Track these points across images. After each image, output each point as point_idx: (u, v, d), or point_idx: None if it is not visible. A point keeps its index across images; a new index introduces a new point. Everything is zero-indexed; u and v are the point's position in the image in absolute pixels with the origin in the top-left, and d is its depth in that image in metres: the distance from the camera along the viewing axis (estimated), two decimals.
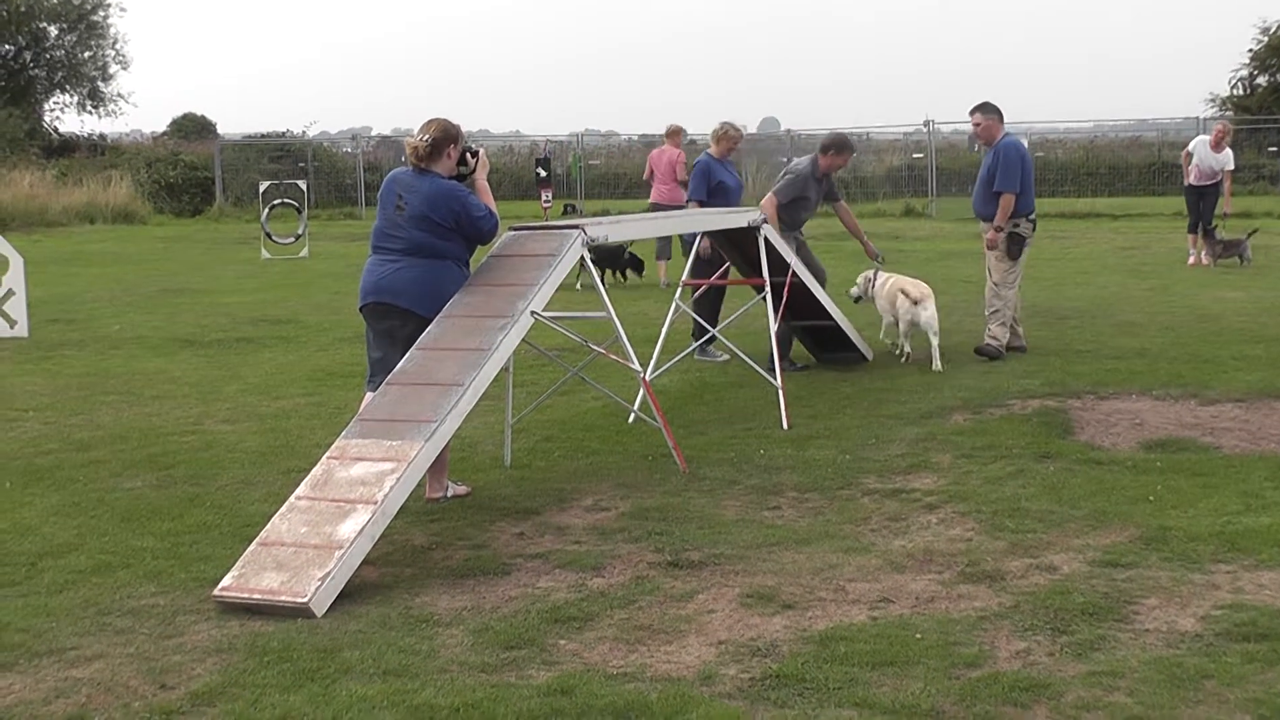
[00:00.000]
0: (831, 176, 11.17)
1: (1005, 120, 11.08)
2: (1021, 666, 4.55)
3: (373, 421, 6.17)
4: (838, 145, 11.09)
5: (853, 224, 11.47)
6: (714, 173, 11.41)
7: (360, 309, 6.99)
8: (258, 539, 5.62)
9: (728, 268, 10.55)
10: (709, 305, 11.36)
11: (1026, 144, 10.86)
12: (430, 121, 6.94)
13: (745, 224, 9.27)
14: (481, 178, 7.16)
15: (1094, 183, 35.66)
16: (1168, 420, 8.46)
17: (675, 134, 17.34)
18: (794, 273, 9.50)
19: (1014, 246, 10.84)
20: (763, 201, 10.85)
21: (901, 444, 7.99)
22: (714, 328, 10.34)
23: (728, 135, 11.58)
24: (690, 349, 10.52)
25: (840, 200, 11.48)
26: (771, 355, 8.98)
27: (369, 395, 6.75)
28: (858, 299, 11.32)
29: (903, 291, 10.61)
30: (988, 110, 11.01)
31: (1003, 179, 10.68)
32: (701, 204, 11.10)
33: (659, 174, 16.55)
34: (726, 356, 11.01)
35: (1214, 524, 6.09)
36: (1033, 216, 10.96)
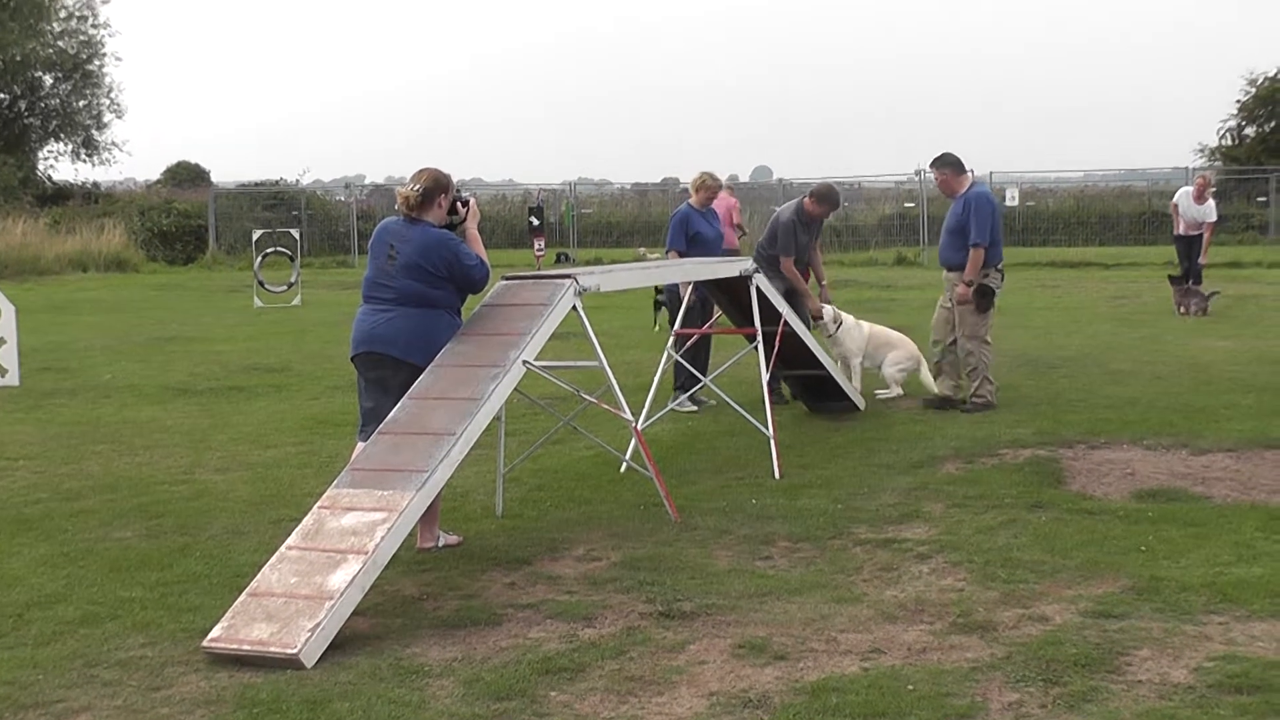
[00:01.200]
0: (820, 222, 11.37)
1: (968, 170, 11.08)
2: (1014, 718, 4.54)
3: (364, 471, 6.14)
4: (822, 196, 11.31)
5: (818, 266, 11.57)
6: (692, 223, 11.39)
7: (352, 358, 6.97)
8: (248, 589, 5.58)
9: (717, 318, 10.56)
10: (700, 355, 11.41)
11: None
12: (421, 171, 6.95)
13: (738, 273, 9.28)
14: (472, 227, 7.15)
15: (1084, 232, 35.80)
16: (1159, 470, 8.44)
17: (730, 186, 19.45)
18: (785, 322, 9.51)
19: (984, 299, 10.74)
20: (783, 268, 11.05)
21: (893, 493, 7.97)
22: (704, 377, 10.30)
23: (705, 185, 11.55)
24: (678, 400, 10.56)
25: (816, 243, 11.65)
26: (763, 401, 8.95)
27: (360, 444, 6.72)
28: (829, 335, 11.32)
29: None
30: (944, 164, 10.91)
31: (977, 231, 10.55)
32: (681, 254, 11.11)
33: None
34: (695, 408, 11.06)
35: (1206, 574, 6.08)
36: (1000, 266, 10.86)
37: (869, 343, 11.51)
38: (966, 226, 10.59)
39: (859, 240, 35.44)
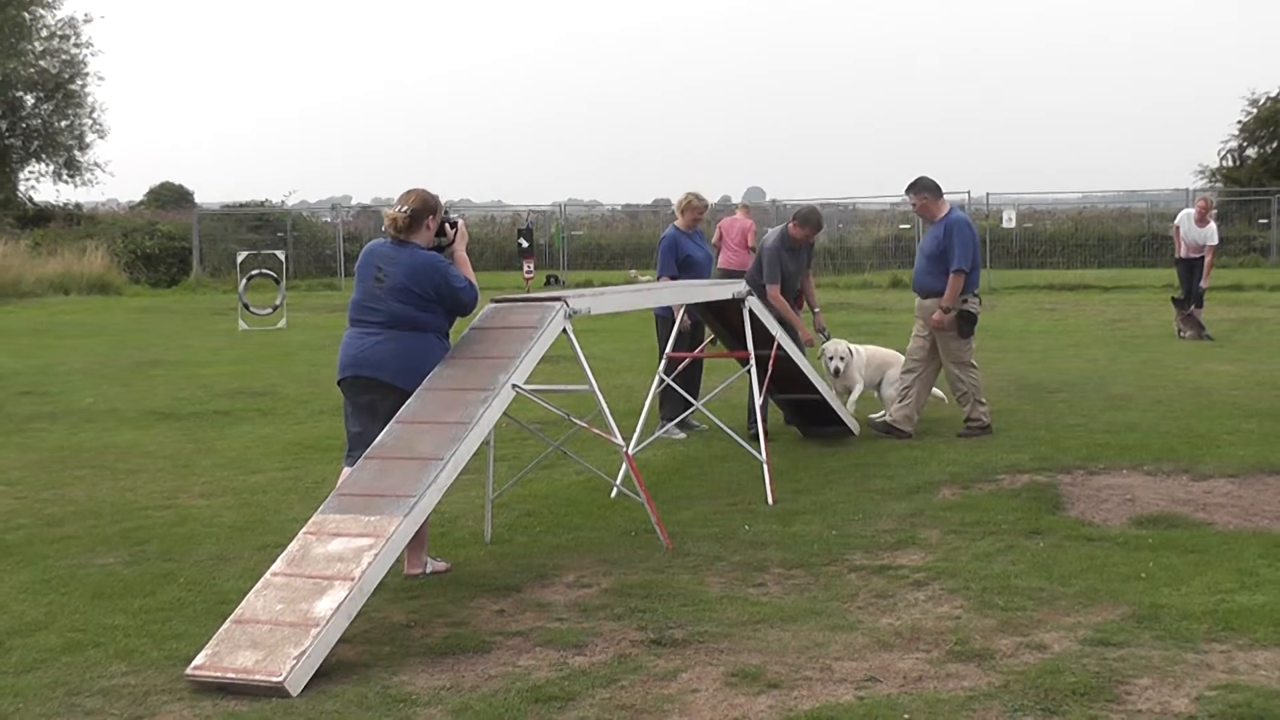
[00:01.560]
0: (810, 246, 11.29)
1: (946, 194, 11.01)
2: None
3: (351, 496, 6.14)
4: (804, 218, 11.17)
5: (810, 292, 11.47)
6: (681, 246, 11.31)
7: (339, 382, 6.95)
8: (232, 616, 5.57)
9: (708, 341, 10.56)
10: (692, 379, 11.30)
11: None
12: (409, 192, 6.96)
13: (731, 295, 9.28)
14: (460, 248, 7.16)
15: (1083, 254, 35.95)
16: (1160, 496, 8.43)
17: (745, 207, 20.65)
18: (779, 345, 9.50)
19: (966, 324, 10.71)
20: (769, 297, 10.85)
21: (889, 519, 7.95)
22: (696, 401, 10.31)
23: (692, 206, 11.43)
24: (665, 429, 10.50)
25: (809, 270, 11.52)
26: (752, 421, 8.87)
27: (347, 469, 6.72)
28: (838, 372, 11.27)
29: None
30: (921, 189, 10.83)
31: (960, 256, 10.50)
32: (673, 279, 11.07)
33: (729, 240, 17.48)
34: (682, 435, 11.03)
35: (1207, 602, 6.08)
36: (978, 292, 10.87)
37: (867, 365, 11.52)
38: (947, 251, 10.55)
39: (853, 263, 35.53)
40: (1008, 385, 12.91)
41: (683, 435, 11.11)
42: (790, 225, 11.19)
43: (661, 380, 9.58)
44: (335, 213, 40.88)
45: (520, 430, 9.84)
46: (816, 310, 11.62)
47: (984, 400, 10.76)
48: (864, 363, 11.46)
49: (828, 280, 31.22)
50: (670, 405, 11.22)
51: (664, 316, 11.27)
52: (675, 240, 11.40)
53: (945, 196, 11.01)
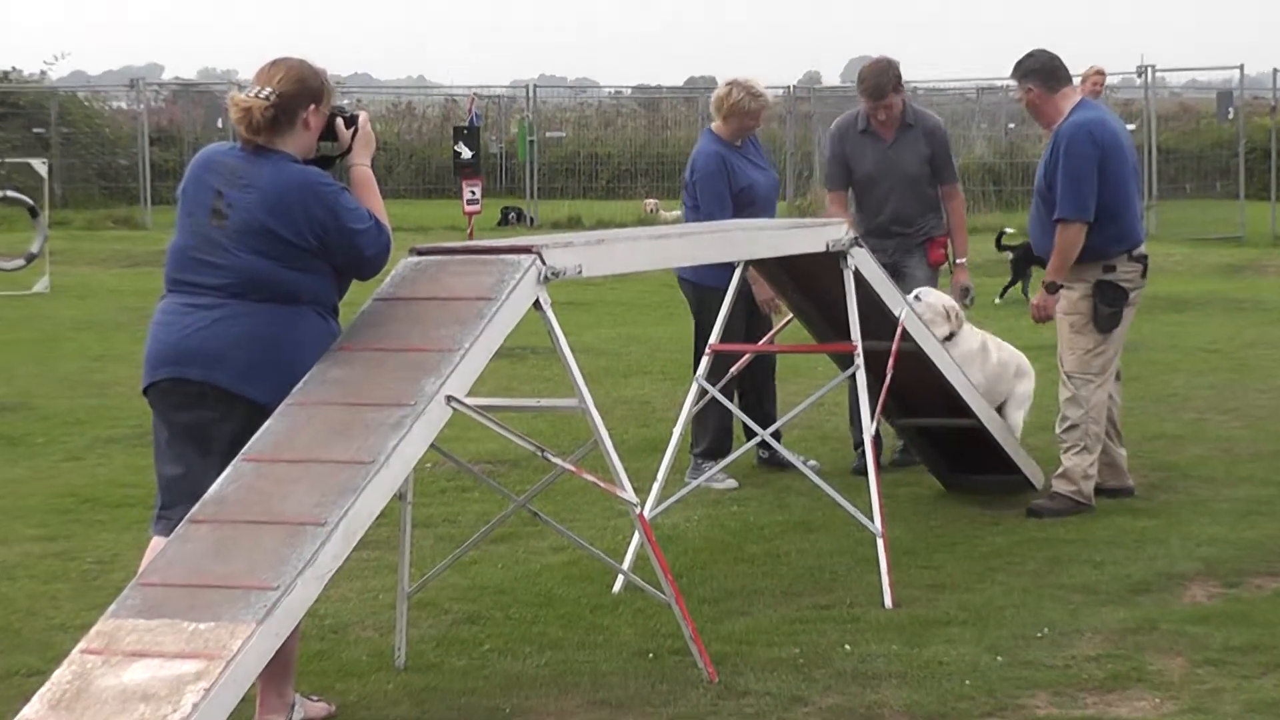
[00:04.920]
0: (918, 138, 10.73)
1: (1073, 81, 10.31)
2: None
3: (165, 588, 5.77)
4: (859, 78, 10.84)
5: (955, 229, 11.03)
6: (735, 169, 10.61)
7: (146, 390, 6.58)
8: None
9: (783, 327, 9.99)
10: (756, 388, 10.66)
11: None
12: (275, 64, 6.59)
13: (824, 246, 8.53)
14: (363, 161, 6.74)
15: None
16: None
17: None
18: (904, 331, 8.84)
19: (1105, 307, 9.74)
20: (829, 204, 11.01)
21: (1096, 638, 7.46)
22: (760, 430, 9.52)
23: (740, 108, 10.54)
24: (708, 473, 9.72)
25: (954, 184, 11.07)
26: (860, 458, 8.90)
27: (157, 540, 6.37)
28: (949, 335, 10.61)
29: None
30: (1028, 72, 9.96)
31: (1063, 196, 9.56)
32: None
33: None
34: (734, 482, 10.43)
35: None
36: (1139, 252, 9.91)
37: (991, 375, 10.49)
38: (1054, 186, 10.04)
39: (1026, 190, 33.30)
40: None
41: (735, 485, 10.47)
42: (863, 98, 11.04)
43: (701, 391, 9.03)
44: (135, 94, 37.43)
45: (459, 475, 9.78)
46: (960, 261, 11.08)
47: (1094, 453, 9.79)
48: (987, 362, 10.49)
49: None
50: (713, 432, 10.55)
51: (705, 284, 10.42)
52: (724, 160, 10.58)
53: (1075, 83, 10.55)
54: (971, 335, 10.72)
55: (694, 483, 9.63)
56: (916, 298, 10.50)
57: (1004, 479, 10.21)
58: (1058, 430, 9.98)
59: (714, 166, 10.60)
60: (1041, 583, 8.44)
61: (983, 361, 10.56)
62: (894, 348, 8.97)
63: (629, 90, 45.62)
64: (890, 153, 10.72)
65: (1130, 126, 13.53)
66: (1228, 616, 7.76)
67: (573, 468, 7.18)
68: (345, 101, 6.30)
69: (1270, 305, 19.54)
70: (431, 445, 6.51)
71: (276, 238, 6.41)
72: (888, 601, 8.01)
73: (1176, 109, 35.26)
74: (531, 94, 36.86)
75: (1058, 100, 9.82)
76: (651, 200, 31.92)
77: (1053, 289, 9.81)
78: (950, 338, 10.44)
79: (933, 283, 10.94)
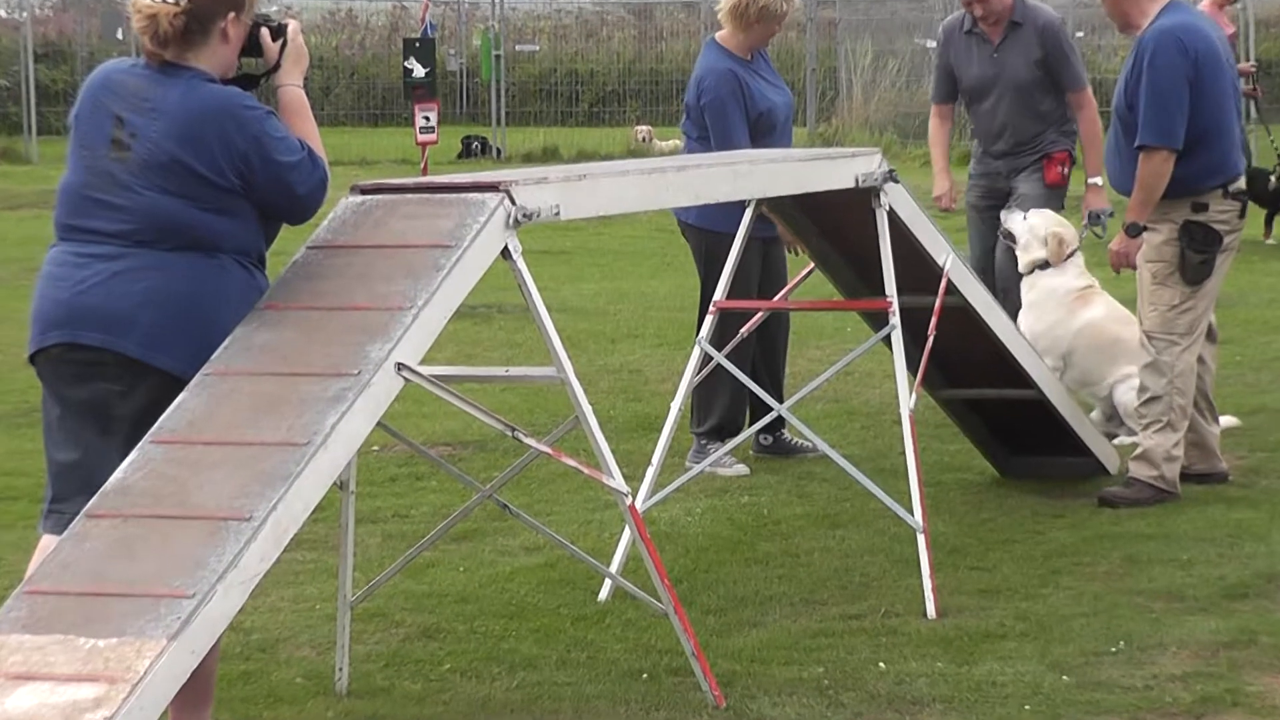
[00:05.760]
0: (1029, 38, 10.37)
1: None
2: None
3: (57, 596, 5.64)
4: None
5: (1089, 137, 10.73)
6: (751, 88, 10.07)
7: (32, 357, 6.40)
8: None
9: (803, 279, 9.49)
10: (768, 355, 10.38)
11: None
12: None
13: (853, 182, 8.11)
14: (294, 80, 6.47)
15: None
16: None
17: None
18: (950, 283, 8.42)
19: (1196, 254, 9.29)
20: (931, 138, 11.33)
21: (1183, 653, 7.17)
22: (773, 402, 9.21)
23: (770, 9, 9.95)
24: (713, 455, 9.62)
25: (1081, 90, 10.68)
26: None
27: (48, 539, 6.22)
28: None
29: None
30: None
31: (1147, 119, 9.04)
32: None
33: None
34: (745, 468, 10.31)
35: None
36: (1236, 187, 9.50)
37: (1084, 336, 10.19)
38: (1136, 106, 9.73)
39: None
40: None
41: (746, 470, 10.24)
42: None
43: (705, 358, 8.72)
44: (16, 0, 38.56)
45: (412, 459, 9.89)
46: (1092, 181, 10.69)
47: (1180, 432, 9.35)
48: (1079, 317, 10.04)
49: None
50: (721, 407, 10.24)
51: (713, 229, 10.01)
52: (737, 77, 10.05)
53: None
54: (1074, 274, 10.29)
55: (696, 468, 9.56)
56: (1024, 218, 10.17)
57: (1071, 461, 9.96)
58: (1137, 404, 9.63)
59: (728, 88, 10.11)
60: (1116, 587, 8.21)
61: (1072, 313, 10.13)
62: (937, 304, 8.63)
63: None
64: (996, 56, 10.47)
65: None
66: None
67: (550, 450, 7.05)
68: (272, 9, 5.86)
69: None
70: (379, 424, 6.37)
71: (189, 173, 6.14)
72: (930, 610, 7.76)
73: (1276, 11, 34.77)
74: (498, 0, 36.61)
75: (1143, 5, 9.35)
76: (643, 127, 31.29)
77: (1134, 231, 9.40)
78: (1044, 267, 10.11)
79: (1048, 204, 10.54)
